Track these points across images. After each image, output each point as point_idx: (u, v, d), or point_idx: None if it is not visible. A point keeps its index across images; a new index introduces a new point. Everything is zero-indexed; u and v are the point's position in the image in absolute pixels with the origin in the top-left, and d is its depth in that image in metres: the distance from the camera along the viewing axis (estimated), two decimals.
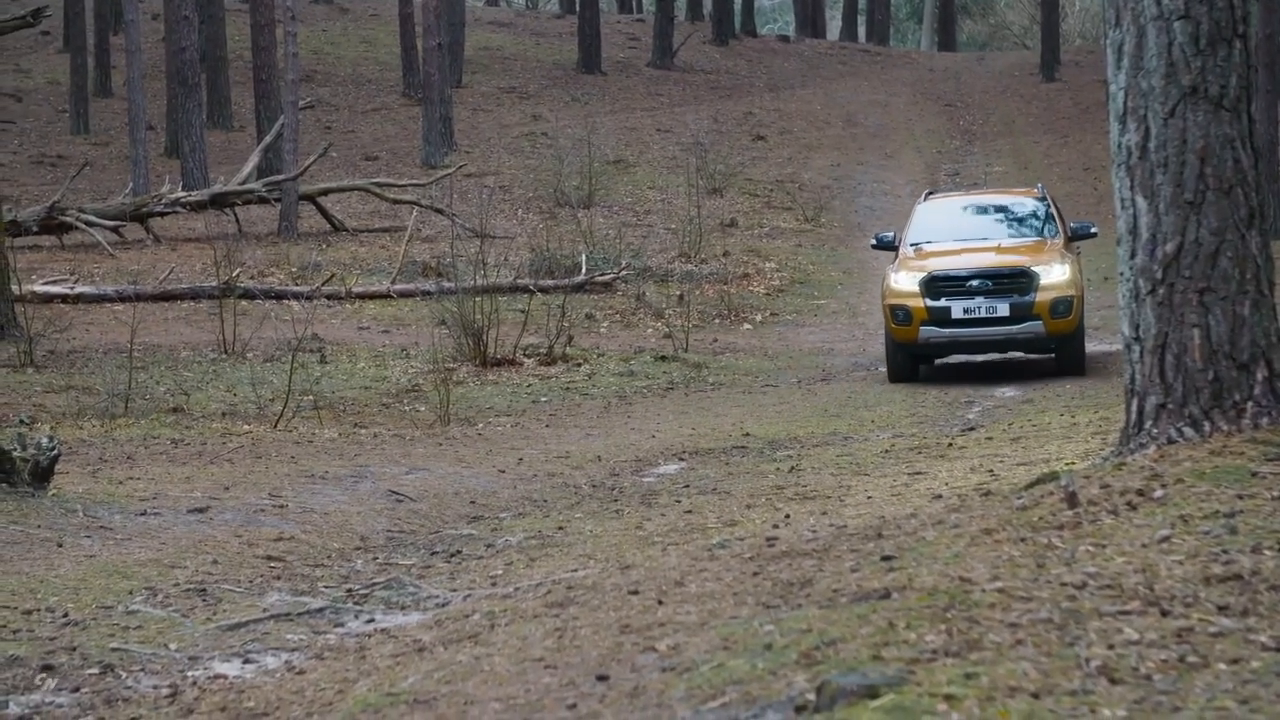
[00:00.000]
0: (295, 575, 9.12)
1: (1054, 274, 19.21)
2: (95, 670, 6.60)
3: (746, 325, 24.90)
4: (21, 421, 14.72)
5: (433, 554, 9.91)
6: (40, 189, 33.17)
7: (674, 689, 4.96)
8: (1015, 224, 20.85)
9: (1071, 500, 6.42)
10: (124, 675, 6.53)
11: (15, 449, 10.61)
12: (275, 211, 30.38)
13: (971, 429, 14.82)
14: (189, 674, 6.61)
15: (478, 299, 20.00)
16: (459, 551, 9.93)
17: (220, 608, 8.18)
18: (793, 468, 12.84)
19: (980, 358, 20.59)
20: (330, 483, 12.10)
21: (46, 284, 23.81)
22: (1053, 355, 19.74)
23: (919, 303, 18.99)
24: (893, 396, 17.99)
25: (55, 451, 10.75)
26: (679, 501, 11.35)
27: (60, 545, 9.45)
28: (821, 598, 5.87)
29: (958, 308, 18.98)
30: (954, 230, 20.37)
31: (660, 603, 6.45)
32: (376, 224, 31.34)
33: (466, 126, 40.45)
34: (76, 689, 6.35)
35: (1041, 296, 19.05)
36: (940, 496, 9.45)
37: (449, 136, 37.85)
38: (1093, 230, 20.35)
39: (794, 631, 5.28)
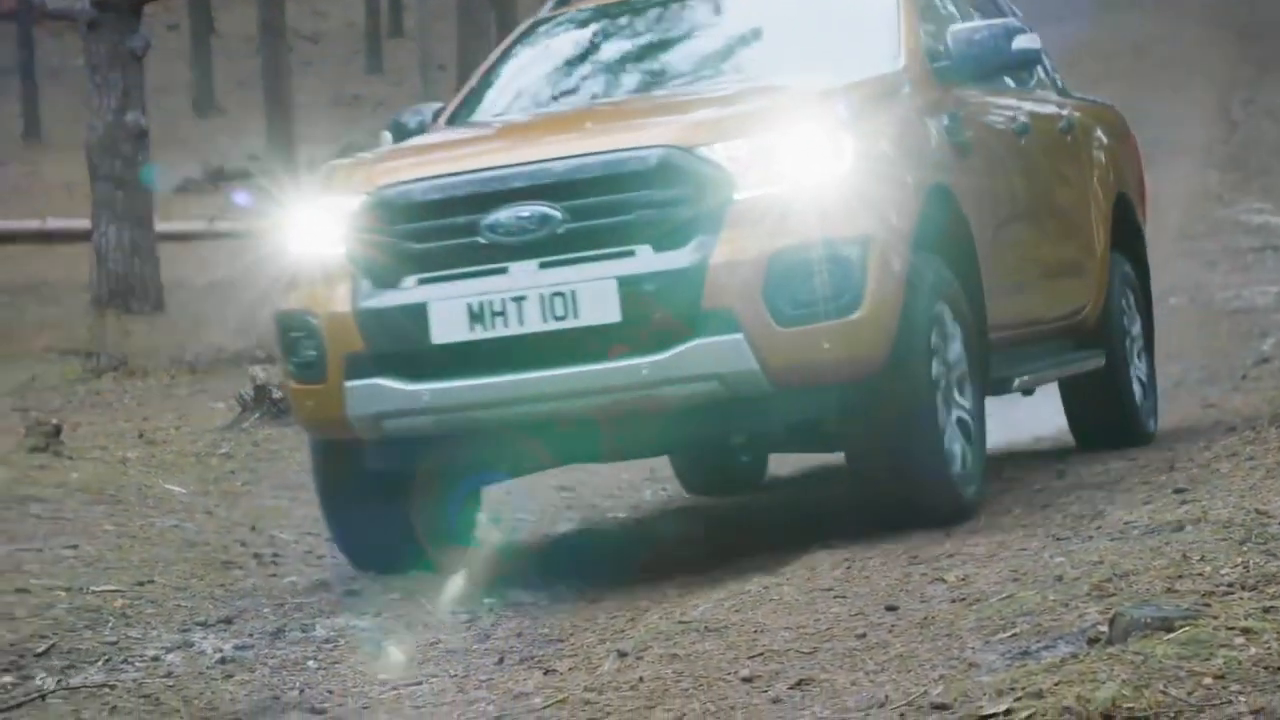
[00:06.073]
0: (585, 505, 9.26)
1: (787, 162, 6.39)
2: (397, 595, 6.79)
3: None
4: None
5: None
6: (336, 129, 33.87)
7: (964, 620, 4.97)
8: (782, 50, 7.79)
9: None
10: (424, 601, 6.71)
11: None
12: None
13: (1266, 360, 14.48)
14: (485, 600, 6.76)
15: None
16: None
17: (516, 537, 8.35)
18: None
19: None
20: None
21: None
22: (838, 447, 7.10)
23: (340, 300, 6.63)
24: (1182, 328, 17.62)
25: None
26: None
27: None
28: (1113, 530, 5.84)
29: (449, 311, 6.44)
30: (596, 85, 7.91)
31: (948, 535, 6.45)
32: None
33: None
34: (379, 613, 6.54)
35: (731, 240, 6.30)
36: (1234, 429, 9.29)
37: None
38: (1033, 48, 7.67)
39: (1085, 564, 5.26)
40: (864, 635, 5.07)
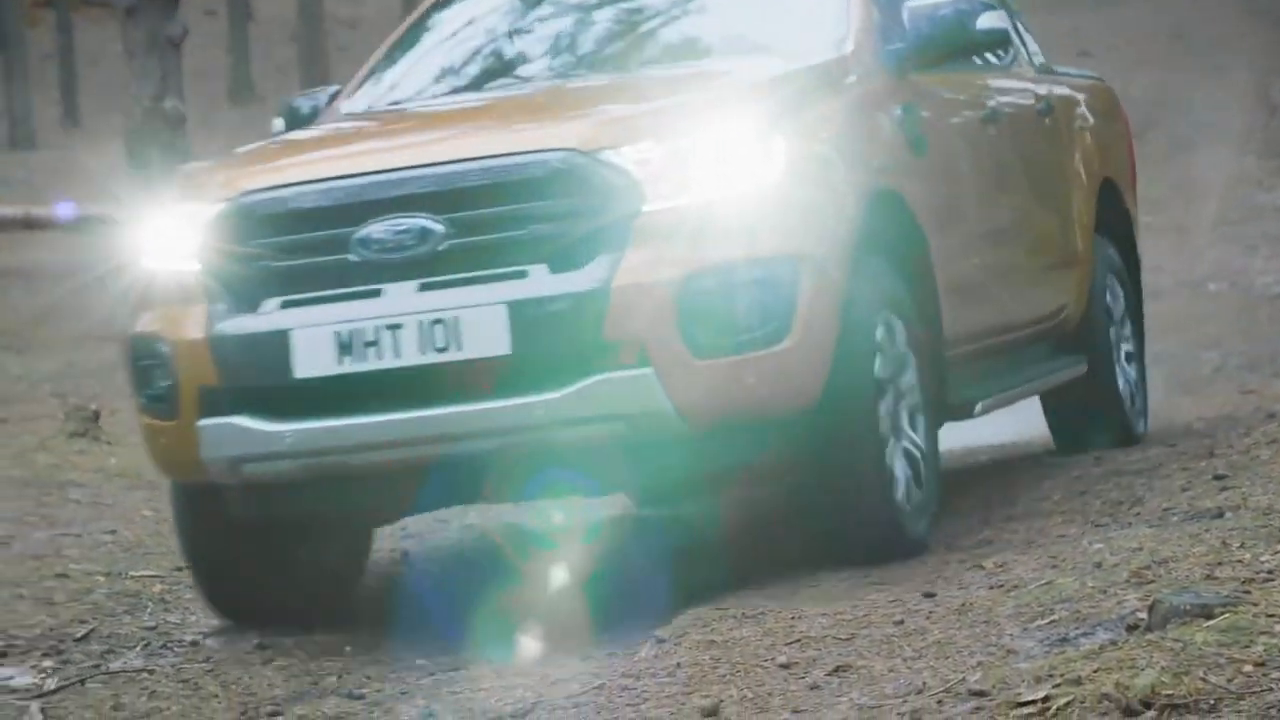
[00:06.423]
0: None
1: (705, 168, 5.59)
2: (434, 583, 6.80)
3: None
4: None
5: None
6: None
7: (1001, 607, 4.96)
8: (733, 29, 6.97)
9: None
10: (461, 587, 6.72)
11: None
12: None
13: None
14: (519, 586, 6.76)
15: None
16: None
17: None
18: None
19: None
20: None
21: None
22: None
23: (193, 325, 5.80)
24: (1221, 314, 17.57)
25: None
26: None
27: None
28: (1152, 517, 5.84)
29: (314, 340, 5.63)
30: (504, 68, 7.07)
31: (986, 523, 6.45)
32: None
33: None
34: (416, 599, 6.57)
35: (640, 260, 5.50)
36: (1274, 415, 9.26)
37: None
38: (999, 27, 6.90)
39: (1124, 550, 5.25)
40: (901, 622, 5.06)
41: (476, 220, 5.54)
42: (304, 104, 7.14)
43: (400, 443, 5.59)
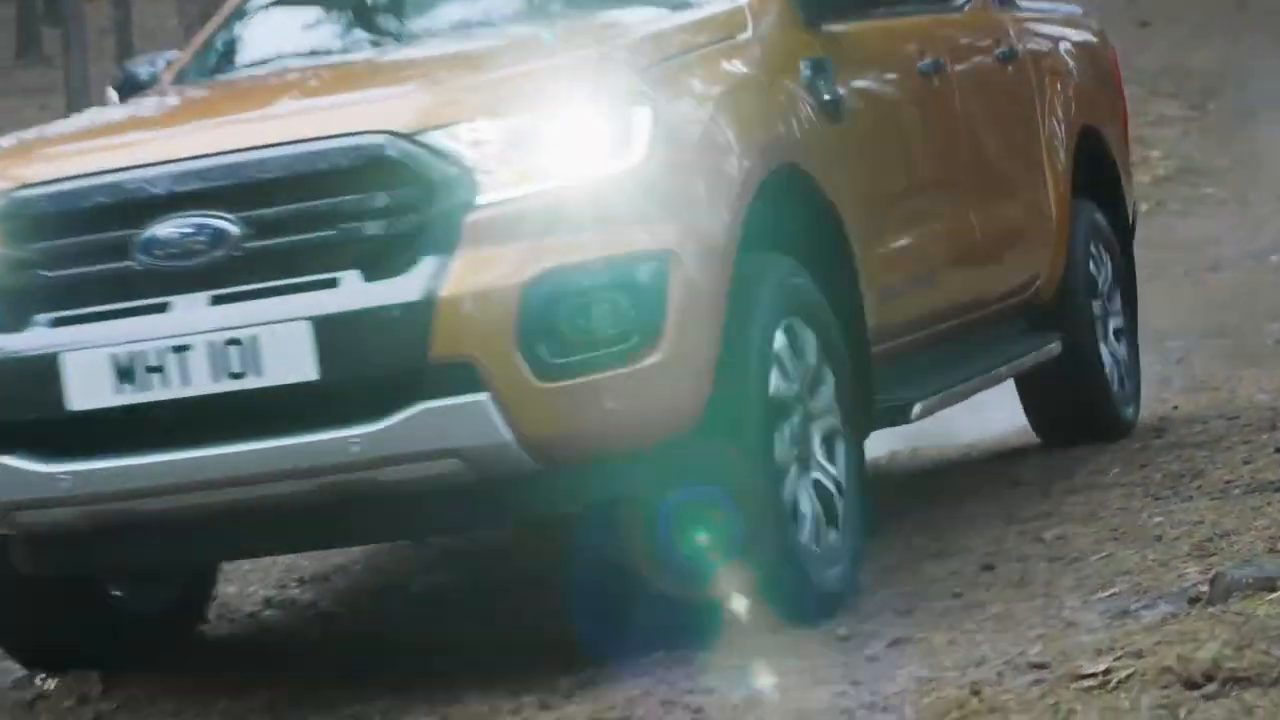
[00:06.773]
0: None
1: (553, 151, 4.65)
2: (487, 557, 6.81)
3: None
4: None
5: None
6: None
7: (1062, 579, 4.95)
8: None
9: None
10: (512, 563, 6.73)
11: None
12: None
13: None
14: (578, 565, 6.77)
15: None
16: None
17: None
18: (1180, 359, 12.58)
19: None
20: None
21: None
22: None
23: None
24: None
25: None
26: None
27: None
28: (1213, 489, 5.80)
29: (89, 365, 4.70)
30: (353, 31, 6.23)
31: (1045, 495, 6.42)
32: None
33: None
34: (473, 572, 6.58)
35: (473, 263, 4.57)
36: None
37: None
38: None
39: (1185, 523, 5.23)
40: (960, 594, 5.05)
41: (278, 219, 4.64)
42: (143, 71, 6.27)
43: (194, 486, 4.67)
